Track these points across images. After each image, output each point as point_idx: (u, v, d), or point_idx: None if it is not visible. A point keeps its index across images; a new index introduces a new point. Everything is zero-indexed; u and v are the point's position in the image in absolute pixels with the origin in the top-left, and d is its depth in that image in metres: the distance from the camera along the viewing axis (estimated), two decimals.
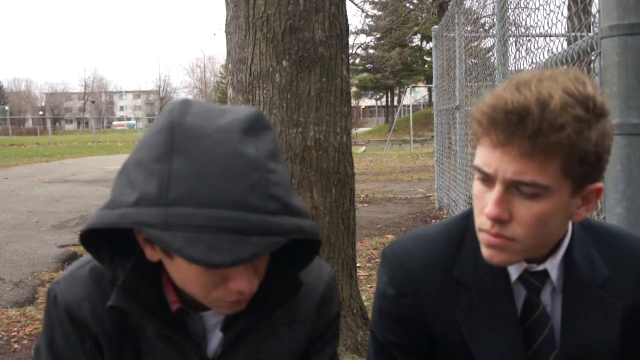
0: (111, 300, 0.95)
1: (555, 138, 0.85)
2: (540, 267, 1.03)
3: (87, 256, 1.03)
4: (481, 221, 0.96)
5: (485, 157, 0.92)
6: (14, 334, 3.63)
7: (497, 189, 0.91)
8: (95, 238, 0.95)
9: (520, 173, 0.88)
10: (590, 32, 1.94)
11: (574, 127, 0.85)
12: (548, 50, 2.52)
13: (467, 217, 1.10)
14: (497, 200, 0.91)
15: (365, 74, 39.75)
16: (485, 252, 0.98)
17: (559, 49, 2.33)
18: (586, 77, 0.91)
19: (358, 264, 4.67)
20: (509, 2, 3.63)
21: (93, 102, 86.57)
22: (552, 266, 1.03)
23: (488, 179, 0.93)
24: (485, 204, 0.94)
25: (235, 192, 0.81)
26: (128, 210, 0.83)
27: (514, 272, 1.04)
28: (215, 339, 1.04)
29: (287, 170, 0.91)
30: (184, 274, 0.90)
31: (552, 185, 0.89)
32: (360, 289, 3.21)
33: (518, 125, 0.86)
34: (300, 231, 0.87)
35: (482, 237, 0.97)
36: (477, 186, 0.97)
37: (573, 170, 0.89)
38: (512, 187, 0.91)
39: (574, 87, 0.87)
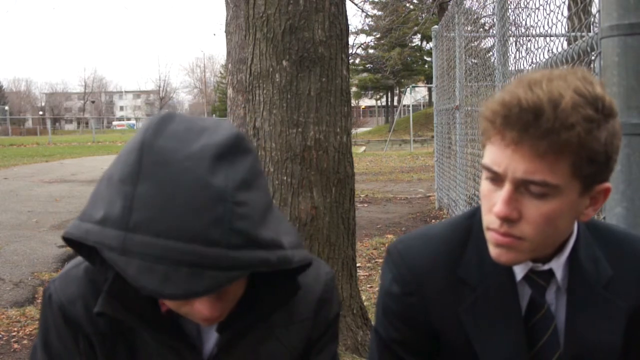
0: (97, 306, 0.94)
1: (566, 137, 0.85)
2: (546, 267, 1.03)
3: None
4: (489, 220, 0.96)
5: (495, 156, 0.92)
6: (14, 334, 3.63)
7: (507, 188, 0.91)
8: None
9: (530, 172, 0.88)
10: (590, 32, 1.94)
11: (584, 127, 0.85)
12: (548, 50, 2.53)
13: (472, 216, 1.10)
14: (506, 199, 0.91)
15: (365, 74, 39.73)
16: (493, 251, 0.98)
17: (559, 49, 2.33)
18: (594, 77, 0.91)
19: (358, 264, 4.67)
20: (509, 2, 3.63)
21: (93, 102, 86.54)
22: (558, 266, 1.03)
23: (497, 178, 0.93)
24: (493, 203, 0.94)
25: (196, 225, 0.79)
26: (93, 227, 0.83)
27: (519, 271, 1.04)
28: (211, 339, 1.04)
29: (263, 198, 0.87)
30: None
31: (561, 184, 0.89)
32: (360, 289, 3.21)
33: (532, 124, 0.86)
34: (266, 264, 0.83)
35: (490, 236, 0.97)
36: (485, 185, 0.96)
37: (582, 170, 0.89)
38: (522, 187, 0.91)
39: (584, 87, 0.87)
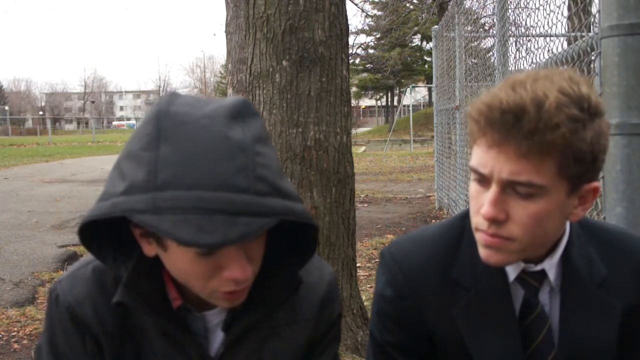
0: (117, 296, 0.95)
1: (551, 137, 0.85)
2: (538, 267, 1.03)
3: (89, 256, 1.03)
4: (478, 221, 0.96)
5: (481, 157, 0.92)
6: (14, 334, 3.63)
7: (493, 190, 0.92)
8: (97, 238, 0.96)
9: (515, 173, 0.89)
10: (590, 32, 1.94)
11: (569, 127, 0.85)
12: (548, 50, 2.53)
13: (465, 218, 1.09)
14: (493, 200, 0.92)
15: (365, 74, 39.69)
16: (482, 252, 0.98)
17: (559, 49, 2.33)
18: (581, 77, 0.91)
19: (358, 264, 4.67)
20: (509, 2, 3.63)
21: (93, 102, 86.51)
22: (550, 266, 1.03)
23: (484, 180, 0.93)
24: (481, 204, 0.94)
25: (223, 174, 0.82)
26: (119, 199, 0.84)
27: (511, 272, 1.04)
28: (218, 338, 1.04)
29: (277, 156, 0.92)
30: (179, 264, 0.90)
31: (548, 185, 0.89)
32: (360, 289, 3.21)
33: (514, 125, 0.86)
34: (292, 213, 0.86)
35: (479, 237, 0.98)
36: (473, 186, 0.97)
37: (569, 169, 0.89)
38: (508, 187, 0.91)
39: (569, 87, 0.87)
